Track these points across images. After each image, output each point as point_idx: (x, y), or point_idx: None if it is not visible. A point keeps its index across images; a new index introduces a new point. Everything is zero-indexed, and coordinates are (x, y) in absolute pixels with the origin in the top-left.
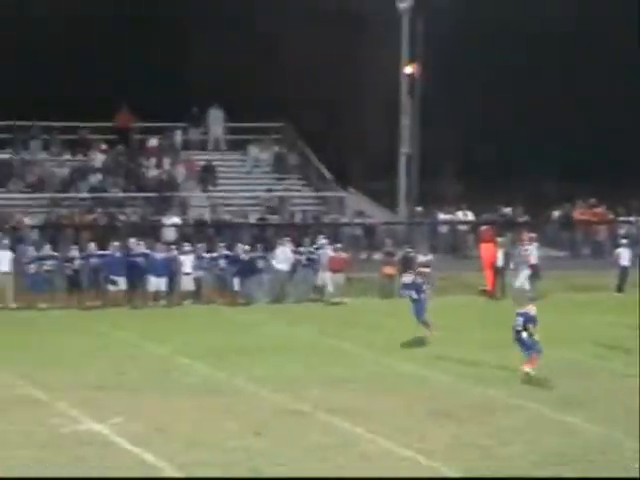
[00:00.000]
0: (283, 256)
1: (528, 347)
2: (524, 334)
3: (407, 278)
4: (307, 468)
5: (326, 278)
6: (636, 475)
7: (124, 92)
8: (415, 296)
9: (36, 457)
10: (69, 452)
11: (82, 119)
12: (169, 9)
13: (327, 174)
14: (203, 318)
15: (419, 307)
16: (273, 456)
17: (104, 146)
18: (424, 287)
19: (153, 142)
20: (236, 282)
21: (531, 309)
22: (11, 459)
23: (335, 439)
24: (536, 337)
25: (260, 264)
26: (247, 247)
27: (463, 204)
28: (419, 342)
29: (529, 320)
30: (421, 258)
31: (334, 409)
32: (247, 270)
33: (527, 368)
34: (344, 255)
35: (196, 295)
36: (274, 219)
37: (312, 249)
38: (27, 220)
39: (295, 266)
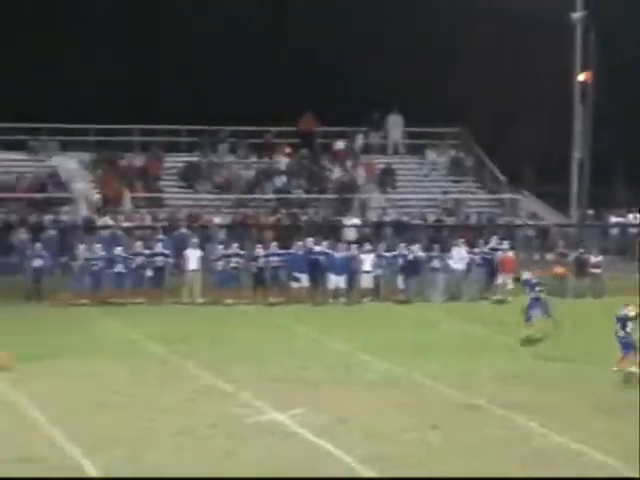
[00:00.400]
0: (458, 256)
1: (626, 347)
2: (620, 333)
3: (525, 275)
4: (483, 462)
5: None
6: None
7: (309, 97)
8: (528, 293)
9: (223, 447)
10: (254, 442)
11: (268, 124)
12: (354, 19)
13: (501, 177)
14: (381, 315)
15: (531, 304)
16: (449, 449)
17: (288, 149)
18: (537, 287)
19: (340, 145)
20: (400, 280)
21: (629, 309)
22: (200, 449)
23: (509, 433)
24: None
25: (436, 263)
26: (414, 247)
27: (634, 207)
28: (584, 340)
29: (620, 319)
30: (592, 259)
31: (507, 404)
32: (413, 269)
33: (616, 367)
34: (511, 255)
35: (375, 293)
36: (450, 220)
37: (487, 249)
38: (215, 219)
39: (470, 266)
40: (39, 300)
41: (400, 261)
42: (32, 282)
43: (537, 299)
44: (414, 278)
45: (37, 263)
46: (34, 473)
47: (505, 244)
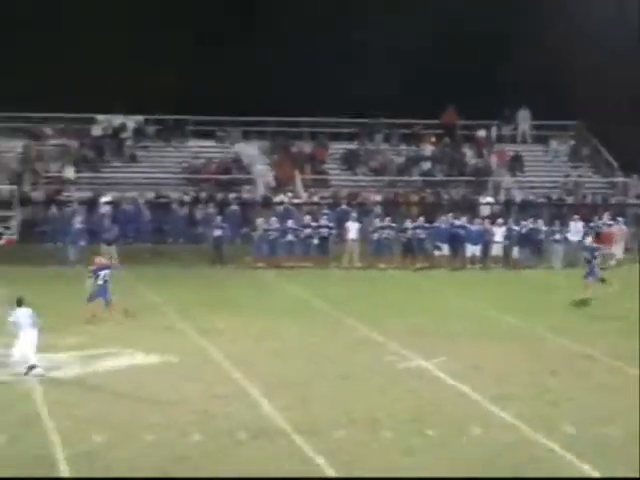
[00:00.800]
0: (575, 230)
1: None
2: None
3: (587, 242)
4: (592, 403)
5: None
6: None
7: (451, 94)
8: (588, 257)
9: (378, 387)
10: (403, 384)
11: (416, 116)
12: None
13: (614, 163)
14: (509, 279)
15: (589, 268)
16: (565, 392)
17: (433, 139)
18: (596, 252)
19: (481, 133)
20: (515, 250)
21: None
22: (359, 390)
23: (615, 379)
24: None
25: (556, 236)
26: (538, 221)
27: None
28: None
29: None
30: None
31: (615, 354)
32: (529, 240)
33: None
34: (615, 229)
35: (504, 260)
36: (569, 199)
37: (600, 224)
38: (371, 197)
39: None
40: (222, 264)
41: (521, 233)
42: (213, 249)
43: (591, 264)
44: (528, 248)
45: (217, 233)
46: (223, 409)
47: (618, 220)
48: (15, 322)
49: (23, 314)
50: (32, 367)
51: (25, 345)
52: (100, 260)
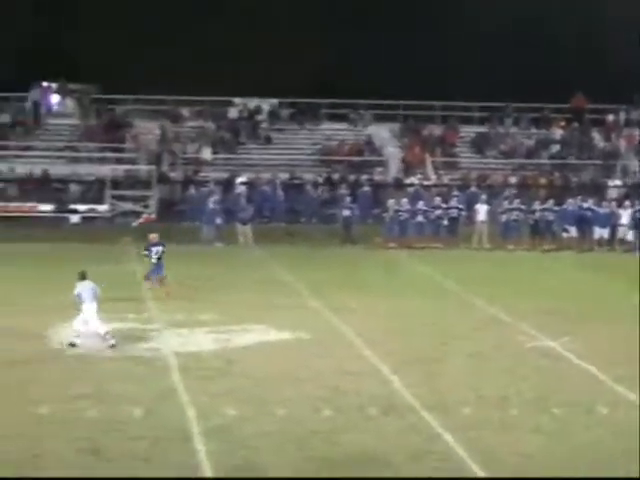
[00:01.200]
0: None
1: None
2: None
3: None
4: None
5: None
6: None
7: (580, 79)
8: None
9: (505, 366)
10: (531, 363)
11: (545, 101)
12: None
13: None
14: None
15: None
16: None
17: (562, 123)
18: None
19: (610, 117)
20: (630, 234)
21: None
22: (486, 367)
23: None
24: None
25: None
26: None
27: None
28: None
29: None
30: None
31: None
32: None
33: None
34: None
35: (630, 243)
36: None
37: None
38: (500, 179)
39: None
40: (352, 244)
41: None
42: (343, 229)
43: None
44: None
45: (346, 213)
46: (354, 385)
47: None
48: (79, 294)
49: (85, 287)
50: (108, 338)
51: (87, 317)
52: (153, 237)
